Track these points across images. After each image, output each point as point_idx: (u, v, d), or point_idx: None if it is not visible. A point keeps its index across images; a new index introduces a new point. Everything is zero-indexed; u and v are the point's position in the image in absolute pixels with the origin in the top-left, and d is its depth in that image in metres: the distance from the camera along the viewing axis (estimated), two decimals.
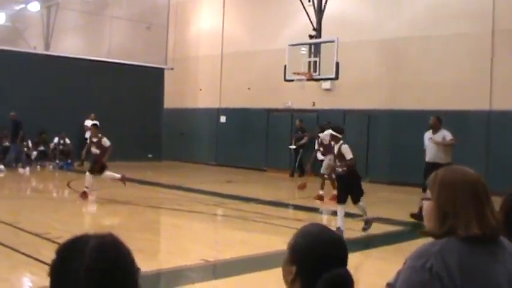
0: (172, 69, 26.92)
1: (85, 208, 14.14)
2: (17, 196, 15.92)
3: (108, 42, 28.98)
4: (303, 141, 21.47)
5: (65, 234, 7.78)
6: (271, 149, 23.74)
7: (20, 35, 29.76)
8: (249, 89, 24.49)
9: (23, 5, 30.66)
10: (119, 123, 23.47)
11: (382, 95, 20.29)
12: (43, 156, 22.82)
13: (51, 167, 22.44)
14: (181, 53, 27.43)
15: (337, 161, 10.81)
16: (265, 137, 23.86)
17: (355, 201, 10.62)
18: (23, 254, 7.94)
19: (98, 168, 14.39)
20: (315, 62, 18.11)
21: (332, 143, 11.08)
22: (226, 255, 9.07)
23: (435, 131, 12.55)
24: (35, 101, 22.26)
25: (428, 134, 12.67)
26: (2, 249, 8.43)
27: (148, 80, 26.33)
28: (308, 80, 18.36)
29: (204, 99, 26.79)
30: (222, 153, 25.86)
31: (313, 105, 22.33)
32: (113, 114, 23.99)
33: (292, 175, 21.73)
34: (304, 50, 18.96)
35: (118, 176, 14.58)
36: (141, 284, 1.73)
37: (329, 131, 11.08)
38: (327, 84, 21.46)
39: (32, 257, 7.70)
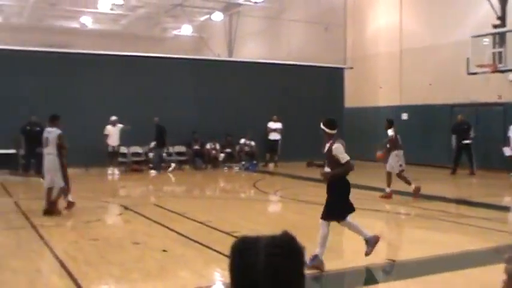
0: (351, 68, 26.99)
1: (271, 207, 14.68)
2: (207, 196, 16.91)
3: (287, 45, 29.76)
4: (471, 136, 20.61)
5: (252, 233, 8.21)
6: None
7: (206, 44, 31.48)
8: (430, 84, 23.85)
9: (207, 16, 32.41)
10: (301, 124, 24.01)
11: None
12: (229, 158, 23.95)
13: (237, 168, 23.48)
14: (360, 51, 27.39)
15: (326, 164, 8.64)
16: (447, 133, 23.00)
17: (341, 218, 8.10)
18: (216, 251, 8.47)
19: None
20: (500, 53, 17.28)
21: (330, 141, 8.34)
22: (411, 255, 8.97)
23: None
24: (221, 105, 23.55)
25: None
26: (197, 246, 9.08)
27: (328, 80, 26.66)
28: (493, 72, 17.55)
29: (385, 97, 26.51)
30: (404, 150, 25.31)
31: (499, 98, 21.20)
32: (295, 115, 24.64)
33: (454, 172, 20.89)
34: (487, 40, 18.13)
35: None
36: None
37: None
38: None
39: (223, 254, 8.18)
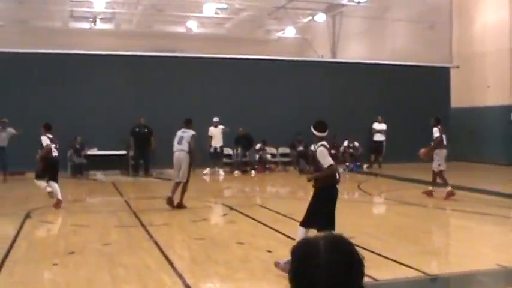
0: (458, 67, 26.18)
1: (375, 209, 14.49)
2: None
3: (390, 45, 29.25)
4: None
5: (357, 235, 8.16)
6: None
7: (309, 45, 31.47)
8: None
9: (310, 17, 32.38)
10: (405, 124, 23.55)
11: None
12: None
13: (341, 169, 23.31)
14: (467, 49, 26.48)
15: (313, 168, 8.28)
16: None
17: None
18: None
19: None
20: None
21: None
22: None
23: None
24: (325, 106, 23.46)
25: None
26: None
27: (433, 80, 25.96)
28: None
29: (493, 97, 25.48)
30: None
31: None
32: (399, 116, 24.20)
33: None
34: None
35: None
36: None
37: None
38: None
39: None
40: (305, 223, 7.84)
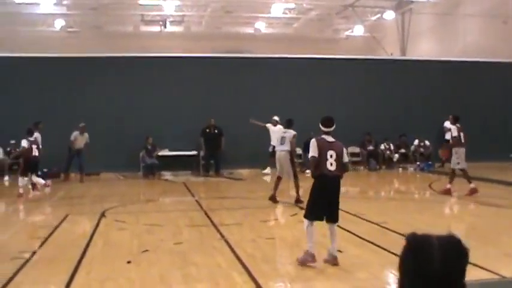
0: None
1: (448, 209, 14.21)
2: (382, 197, 16.71)
3: (462, 41, 28.57)
4: None
5: None
6: None
7: (378, 44, 31.10)
8: None
9: (378, 15, 32.01)
10: (478, 123, 22.96)
11: None
12: (404, 159, 23.49)
13: (411, 169, 22.97)
14: None
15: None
16: None
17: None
18: (392, 253, 8.33)
19: None
20: None
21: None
22: None
23: None
24: (394, 104, 23.17)
25: None
26: (372, 247, 9.02)
27: (508, 77, 25.16)
28: None
29: None
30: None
31: None
32: (472, 114, 23.56)
33: None
34: None
35: None
36: None
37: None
38: None
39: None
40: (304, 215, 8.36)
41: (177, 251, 9.10)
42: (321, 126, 8.43)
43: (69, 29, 33.02)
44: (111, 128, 21.35)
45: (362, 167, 23.23)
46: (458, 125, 15.32)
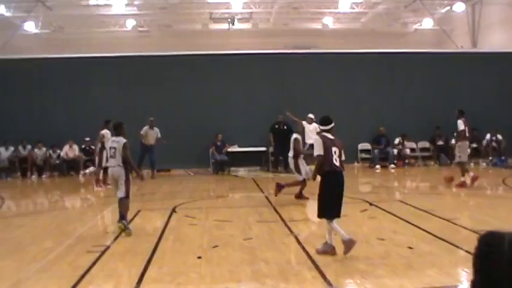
0: None
1: None
2: (453, 193, 16.35)
3: None
4: None
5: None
6: None
7: (448, 37, 30.42)
8: None
9: (448, 8, 31.30)
10: None
11: None
12: (476, 153, 22.95)
13: (484, 164, 22.44)
14: None
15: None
16: None
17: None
18: (463, 250, 8.20)
19: None
20: None
21: None
22: None
23: None
24: (465, 98, 22.60)
25: None
26: (444, 244, 8.86)
27: None
28: None
29: None
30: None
31: None
32: None
33: None
34: None
35: None
36: None
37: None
38: None
39: (471, 254, 7.90)
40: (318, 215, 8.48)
41: (246, 246, 9.22)
42: (321, 126, 8.71)
43: (140, 29, 33.79)
44: (180, 125, 21.74)
45: (432, 162, 22.83)
46: (463, 118, 15.40)
